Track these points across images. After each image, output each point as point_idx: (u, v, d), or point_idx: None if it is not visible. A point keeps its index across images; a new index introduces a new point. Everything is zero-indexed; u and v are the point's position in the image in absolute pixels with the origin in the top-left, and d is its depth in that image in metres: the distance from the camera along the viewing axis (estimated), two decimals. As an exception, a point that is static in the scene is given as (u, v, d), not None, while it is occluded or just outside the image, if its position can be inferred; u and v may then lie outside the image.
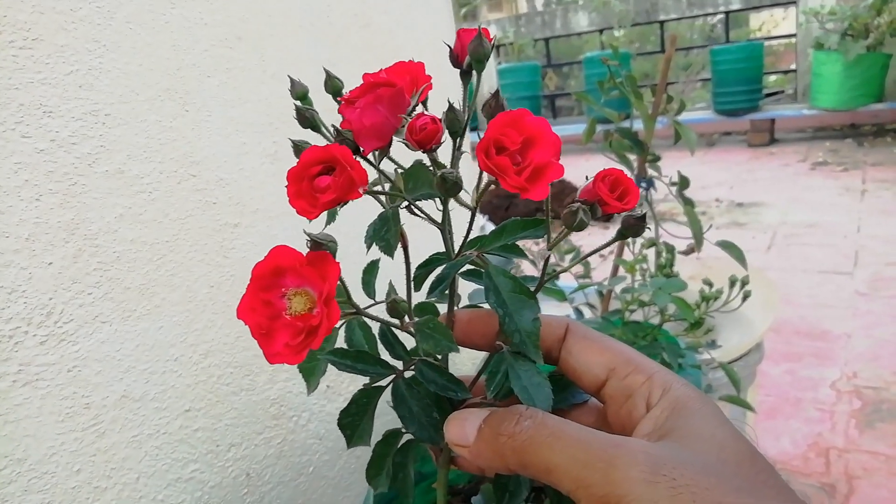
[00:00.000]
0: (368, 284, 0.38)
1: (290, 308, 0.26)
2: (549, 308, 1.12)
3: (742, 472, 0.25)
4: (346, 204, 0.28)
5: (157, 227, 0.56)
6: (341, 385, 0.75)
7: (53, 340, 0.49)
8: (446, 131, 0.29)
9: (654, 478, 0.24)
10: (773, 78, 6.62)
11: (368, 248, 0.31)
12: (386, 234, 0.30)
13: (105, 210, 0.52)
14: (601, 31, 6.70)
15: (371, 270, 0.37)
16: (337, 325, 0.37)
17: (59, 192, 0.49)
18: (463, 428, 0.30)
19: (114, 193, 0.52)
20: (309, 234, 0.27)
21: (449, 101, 0.29)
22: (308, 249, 0.27)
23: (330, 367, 0.76)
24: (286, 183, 0.27)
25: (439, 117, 0.29)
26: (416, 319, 0.32)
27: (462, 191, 0.30)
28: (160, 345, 0.56)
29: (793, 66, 5.91)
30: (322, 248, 0.27)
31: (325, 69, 0.33)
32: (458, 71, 0.33)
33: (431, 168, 0.30)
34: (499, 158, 0.26)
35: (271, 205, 0.66)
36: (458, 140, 0.30)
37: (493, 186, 0.30)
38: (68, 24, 0.49)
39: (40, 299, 0.48)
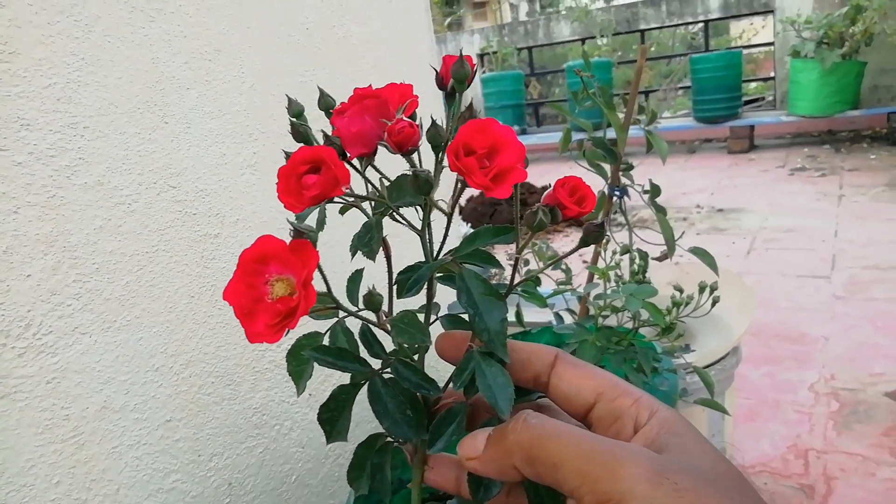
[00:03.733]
0: (352, 292, 0.40)
1: (272, 293, 0.28)
2: (531, 314, 1.13)
3: (734, 487, 0.27)
4: (331, 201, 0.30)
5: (136, 239, 0.56)
6: (324, 394, 0.76)
7: (32, 352, 0.49)
8: (425, 140, 0.32)
9: (658, 478, 0.25)
10: (752, 85, 6.71)
11: (353, 254, 0.33)
12: (369, 240, 0.33)
13: (84, 222, 0.52)
14: (583, 41, 6.76)
15: (355, 279, 0.38)
16: (323, 331, 0.39)
17: (38, 205, 0.49)
18: (474, 441, 0.31)
19: (93, 205, 0.53)
20: (291, 224, 0.30)
21: (431, 118, 0.32)
22: (290, 238, 0.29)
23: (314, 378, 0.76)
24: (276, 181, 0.30)
25: (417, 123, 0.32)
26: (393, 315, 0.34)
27: (435, 194, 0.32)
28: (140, 355, 0.57)
29: (772, 74, 6.00)
30: (303, 236, 0.29)
31: (319, 88, 0.36)
32: (443, 92, 0.36)
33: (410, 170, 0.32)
34: (467, 160, 0.29)
35: (251, 215, 0.66)
36: (439, 154, 0.32)
37: (475, 195, 0.32)
38: (46, 38, 0.49)
39: (19, 311, 0.48)
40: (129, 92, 0.55)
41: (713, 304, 0.61)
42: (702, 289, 0.60)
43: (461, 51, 0.34)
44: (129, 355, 0.56)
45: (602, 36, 6.52)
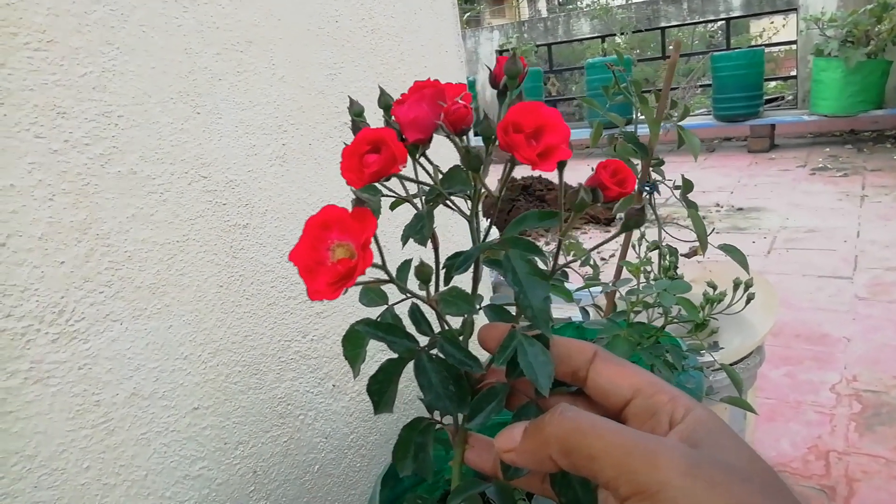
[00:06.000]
0: (401, 280, 0.42)
1: (332, 257, 0.31)
2: (554, 310, 1.12)
3: (768, 483, 0.27)
4: (388, 179, 0.33)
5: (167, 228, 0.56)
6: (347, 384, 0.76)
7: (65, 338, 0.49)
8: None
9: (694, 471, 0.26)
10: (773, 84, 6.63)
11: (404, 243, 0.35)
12: (421, 228, 0.34)
13: (117, 210, 0.52)
14: (603, 38, 6.71)
15: (404, 269, 0.39)
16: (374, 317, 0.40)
17: (73, 192, 0.49)
18: (511, 433, 0.32)
19: (126, 194, 0.53)
20: (355, 193, 0.32)
21: (484, 112, 0.34)
22: (353, 207, 0.32)
23: (338, 368, 0.76)
24: (341, 159, 0.32)
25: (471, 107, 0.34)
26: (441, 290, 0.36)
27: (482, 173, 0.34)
28: (170, 343, 0.57)
29: (793, 73, 5.92)
30: (364, 205, 0.31)
31: (379, 87, 0.38)
32: (496, 91, 0.37)
33: (460, 147, 0.34)
34: (515, 136, 0.31)
35: (280, 206, 0.66)
36: (489, 146, 0.34)
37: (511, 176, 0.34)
38: (83, 27, 0.49)
39: (52, 298, 0.48)
40: (163, 82, 0.56)
41: (748, 302, 0.60)
42: (736, 285, 0.59)
43: (513, 50, 0.36)
44: (158, 343, 0.56)
45: (622, 33, 6.47)
